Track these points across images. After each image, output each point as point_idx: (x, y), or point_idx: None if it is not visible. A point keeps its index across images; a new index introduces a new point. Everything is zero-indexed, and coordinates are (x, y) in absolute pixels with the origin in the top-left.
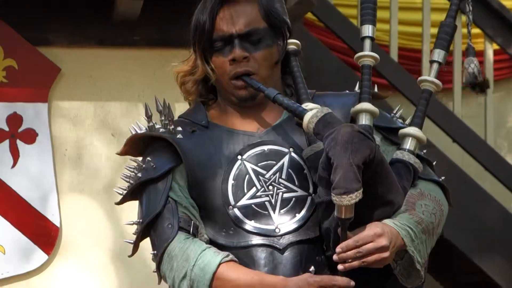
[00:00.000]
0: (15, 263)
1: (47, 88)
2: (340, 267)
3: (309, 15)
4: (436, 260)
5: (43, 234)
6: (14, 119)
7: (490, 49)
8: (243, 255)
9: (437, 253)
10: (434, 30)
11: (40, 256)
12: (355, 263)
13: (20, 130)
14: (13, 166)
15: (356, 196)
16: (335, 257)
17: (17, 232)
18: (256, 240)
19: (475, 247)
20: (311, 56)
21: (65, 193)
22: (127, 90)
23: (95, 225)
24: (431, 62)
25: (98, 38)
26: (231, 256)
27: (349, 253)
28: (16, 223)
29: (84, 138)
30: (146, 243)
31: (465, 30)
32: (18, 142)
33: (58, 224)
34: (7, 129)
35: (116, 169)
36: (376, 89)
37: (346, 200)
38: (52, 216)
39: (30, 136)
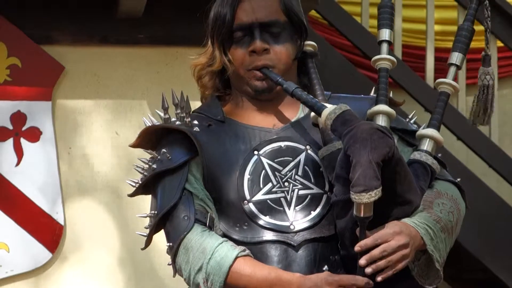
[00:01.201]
0: (20, 261)
1: (51, 86)
2: (368, 270)
3: (313, 12)
4: None
5: (47, 232)
6: (18, 118)
7: (493, 46)
8: (257, 251)
9: None
10: (438, 28)
11: (44, 254)
12: (382, 263)
13: (24, 128)
14: (17, 164)
15: (375, 194)
16: (362, 261)
17: (22, 230)
18: (270, 236)
19: (480, 244)
20: None
21: (69, 191)
22: (131, 88)
23: (100, 223)
24: (449, 65)
25: (102, 36)
26: (247, 251)
27: (374, 252)
28: (20, 222)
29: (88, 136)
30: (152, 241)
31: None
32: (22, 140)
33: (62, 223)
34: (11, 127)
35: (120, 167)
36: (391, 95)
37: (366, 198)
38: (56, 214)
39: (34, 135)
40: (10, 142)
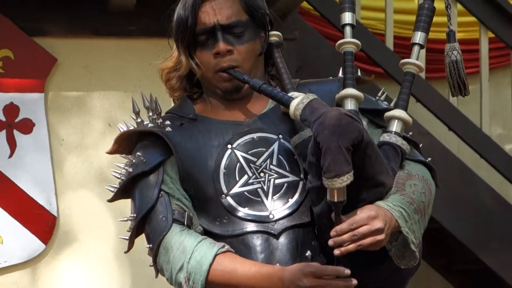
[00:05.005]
0: (13, 252)
1: (44, 78)
2: (336, 252)
3: (305, 4)
4: (431, 248)
5: (40, 223)
6: (11, 109)
7: (485, 37)
8: (239, 243)
9: (432, 241)
10: None
11: (37, 245)
12: (351, 247)
13: (17, 120)
14: (10, 156)
15: (347, 178)
16: (330, 241)
17: (15, 221)
18: (251, 227)
19: (471, 235)
20: (307, 45)
21: (62, 182)
22: (123, 80)
23: (92, 214)
24: (412, 44)
25: (94, 28)
26: (227, 247)
27: (344, 236)
28: (13, 213)
29: (81, 128)
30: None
31: (462, 19)
32: (15, 132)
33: (55, 214)
34: (4, 119)
35: (112, 158)
36: (359, 73)
37: (338, 183)
38: (50, 205)
39: (27, 126)
40: (3, 134)
